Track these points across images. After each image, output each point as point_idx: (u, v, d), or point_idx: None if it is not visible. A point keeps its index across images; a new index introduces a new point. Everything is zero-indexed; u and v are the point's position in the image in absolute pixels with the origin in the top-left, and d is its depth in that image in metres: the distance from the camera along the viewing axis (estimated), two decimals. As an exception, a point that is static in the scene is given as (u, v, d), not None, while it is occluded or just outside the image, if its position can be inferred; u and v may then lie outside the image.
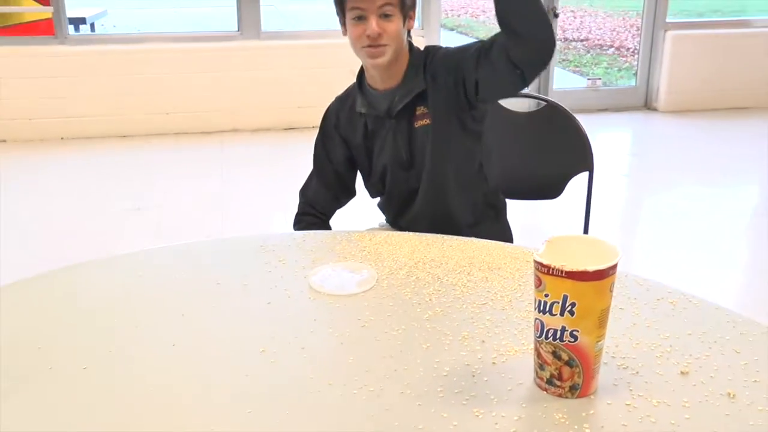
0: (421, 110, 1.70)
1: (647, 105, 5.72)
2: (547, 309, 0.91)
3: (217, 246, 1.44)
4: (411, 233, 1.44)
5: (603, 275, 0.90)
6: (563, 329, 0.91)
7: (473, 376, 0.98)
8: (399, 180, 1.75)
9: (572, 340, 0.91)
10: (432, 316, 1.13)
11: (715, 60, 5.61)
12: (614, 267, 0.91)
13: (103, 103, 4.84)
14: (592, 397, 0.95)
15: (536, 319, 0.94)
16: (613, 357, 1.03)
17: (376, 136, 1.76)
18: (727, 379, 0.98)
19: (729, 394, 0.95)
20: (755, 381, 0.98)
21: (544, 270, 0.90)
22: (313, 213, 1.86)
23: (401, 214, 1.81)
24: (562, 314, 0.90)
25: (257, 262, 1.33)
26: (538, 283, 0.92)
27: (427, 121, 1.69)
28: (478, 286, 1.23)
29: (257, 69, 4.98)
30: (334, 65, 4.99)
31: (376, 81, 1.73)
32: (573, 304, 0.90)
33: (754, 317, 1.16)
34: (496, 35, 1.58)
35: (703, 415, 0.91)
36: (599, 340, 0.93)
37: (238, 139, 4.88)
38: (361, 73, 1.78)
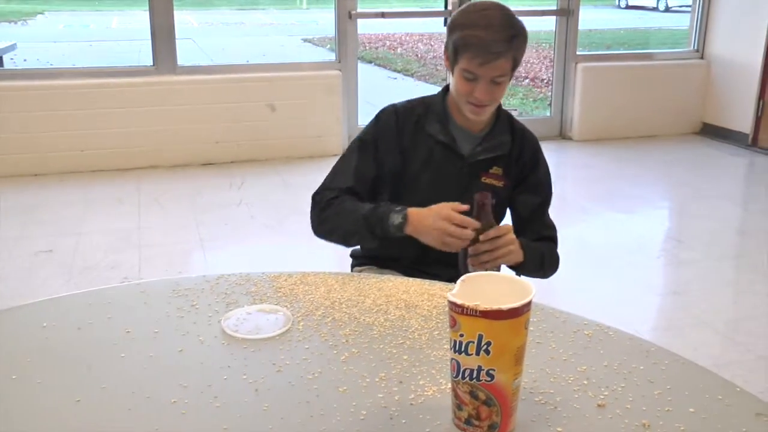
0: (496, 170, 1.75)
1: (562, 134, 5.88)
2: (463, 349, 0.90)
3: (127, 291, 1.38)
4: (327, 273, 1.42)
5: (518, 313, 0.89)
6: (479, 369, 0.90)
7: (391, 418, 0.96)
8: None
9: (489, 379, 0.90)
10: (348, 358, 1.11)
11: (624, 91, 5.82)
12: (528, 304, 0.91)
13: (13, 141, 4.67)
14: (510, 435, 0.94)
15: (452, 359, 0.92)
16: (531, 393, 1.02)
17: (437, 166, 1.73)
18: (642, 409, 0.99)
19: (644, 424, 0.96)
20: (668, 410, 0.99)
21: (458, 310, 0.89)
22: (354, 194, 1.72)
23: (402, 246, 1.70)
24: (477, 354, 0.89)
25: (169, 307, 1.28)
26: (453, 323, 0.90)
27: (499, 183, 1.75)
28: (395, 325, 1.21)
29: (174, 104, 4.90)
30: (251, 99, 4.97)
31: (461, 118, 1.74)
32: (488, 343, 0.89)
33: (668, 342, 1.18)
34: (550, 245, 1.80)
35: (619, 449, 0.92)
36: (516, 378, 0.92)
37: (155, 176, 4.78)
38: (445, 95, 1.77)
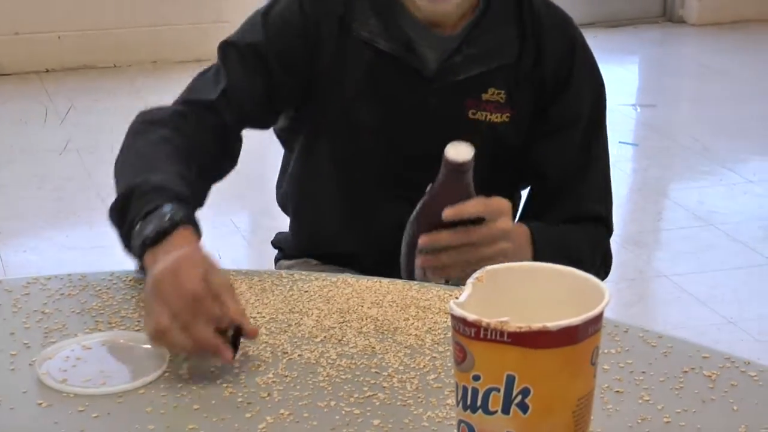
0: (493, 93, 1.73)
1: (669, 16, 5.92)
2: (480, 403, 0.92)
3: None
4: (232, 271, 1.44)
5: (577, 336, 0.91)
6: (511, 439, 0.93)
7: None
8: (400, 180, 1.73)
9: (527, 457, 0.93)
10: (272, 427, 1.13)
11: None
12: (598, 320, 0.93)
13: None
14: None
15: (461, 421, 0.95)
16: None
17: (383, 94, 1.74)
18: None
19: None
20: None
21: (470, 332, 0.91)
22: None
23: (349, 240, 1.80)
24: (506, 411, 0.92)
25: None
26: (461, 357, 0.92)
27: (501, 118, 1.74)
28: (359, 365, 1.24)
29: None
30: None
31: (420, 8, 1.72)
32: (525, 392, 0.91)
33: None
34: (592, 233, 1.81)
35: None
36: (577, 455, 0.95)
37: None
38: None
